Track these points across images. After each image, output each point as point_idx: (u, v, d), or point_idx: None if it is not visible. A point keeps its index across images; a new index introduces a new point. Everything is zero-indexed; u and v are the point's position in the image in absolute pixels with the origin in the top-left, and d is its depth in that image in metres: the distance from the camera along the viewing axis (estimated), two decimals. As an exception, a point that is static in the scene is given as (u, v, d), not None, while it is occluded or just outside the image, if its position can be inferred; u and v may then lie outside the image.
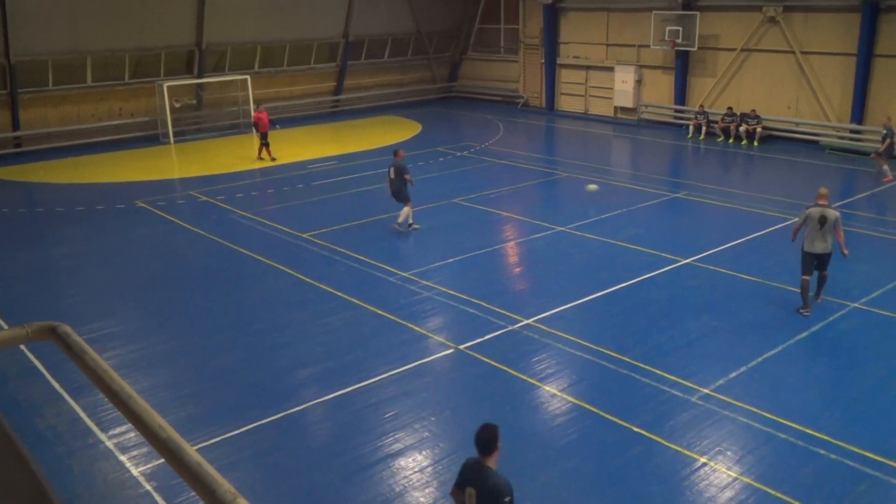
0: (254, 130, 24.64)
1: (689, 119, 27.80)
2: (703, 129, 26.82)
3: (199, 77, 28.60)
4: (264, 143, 23.70)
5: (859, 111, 24.33)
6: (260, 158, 23.99)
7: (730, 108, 26.48)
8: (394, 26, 33.46)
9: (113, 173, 23.20)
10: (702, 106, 27.40)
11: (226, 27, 28.07)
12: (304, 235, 16.44)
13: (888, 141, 20.43)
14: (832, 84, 24.84)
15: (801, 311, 11.82)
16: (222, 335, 11.74)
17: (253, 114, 25.08)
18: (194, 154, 26.06)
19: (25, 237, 17.15)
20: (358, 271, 14.27)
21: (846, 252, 11.53)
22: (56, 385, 10.05)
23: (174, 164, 25.32)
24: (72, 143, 26.24)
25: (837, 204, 18.57)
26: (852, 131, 24.51)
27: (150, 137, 27.74)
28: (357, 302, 12.75)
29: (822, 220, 11.42)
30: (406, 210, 16.22)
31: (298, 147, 26.08)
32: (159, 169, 24.05)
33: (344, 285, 13.48)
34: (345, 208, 18.68)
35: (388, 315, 12.21)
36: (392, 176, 16.19)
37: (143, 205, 19.27)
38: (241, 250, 15.56)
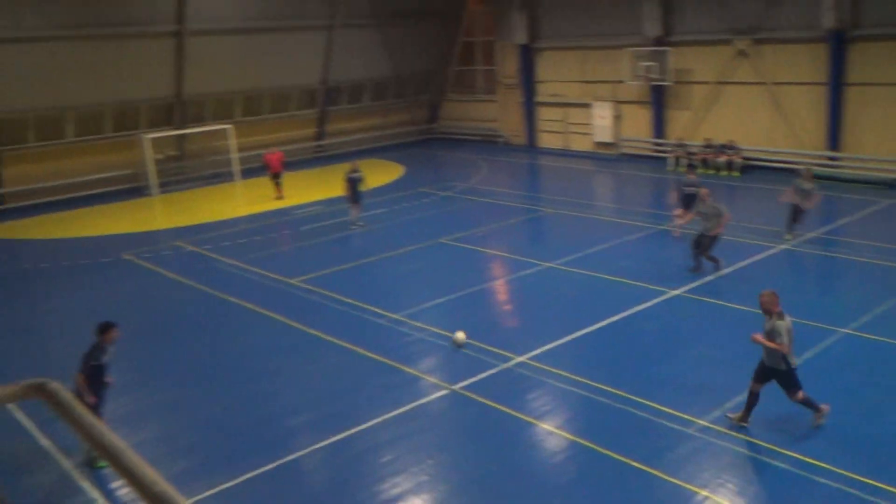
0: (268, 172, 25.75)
1: (668, 151, 28.16)
2: (684, 160, 27.17)
3: (180, 128, 28.68)
4: (276, 183, 25.14)
5: (834, 139, 24.76)
6: (280, 197, 25.03)
7: (707, 140, 26.88)
8: (371, 71, 33.81)
9: (98, 227, 23.09)
10: (680, 138, 27.78)
11: (205, 78, 28.23)
12: (293, 281, 16.37)
13: None
14: (806, 113, 25.28)
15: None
16: (213, 384, 11.60)
17: (264, 155, 26.13)
18: (179, 204, 26.03)
19: (10, 294, 16.94)
20: (347, 315, 14.20)
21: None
22: (45, 443, 9.86)
23: (159, 215, 25.24)
24: (55, 199, 26.10)
25: (821, 231, 18.82)
26: (829, 158, 24.90)
27: (134, 190, 27.67)
28: (348, 346, 12.66)
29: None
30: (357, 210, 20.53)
31: (284, 192, 26.13)
32: (144, 221, 23.96)
33: (334, 329, 13.40)
34: (332, 252, 18.66)
35: (379, 358, 12.13)
36: (349, 184, 20.34)
37: (129, 257, 19.15)
38: (230, 298, 15.46)
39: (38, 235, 22.54)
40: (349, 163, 21.85)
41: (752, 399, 9.33)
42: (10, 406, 10.40)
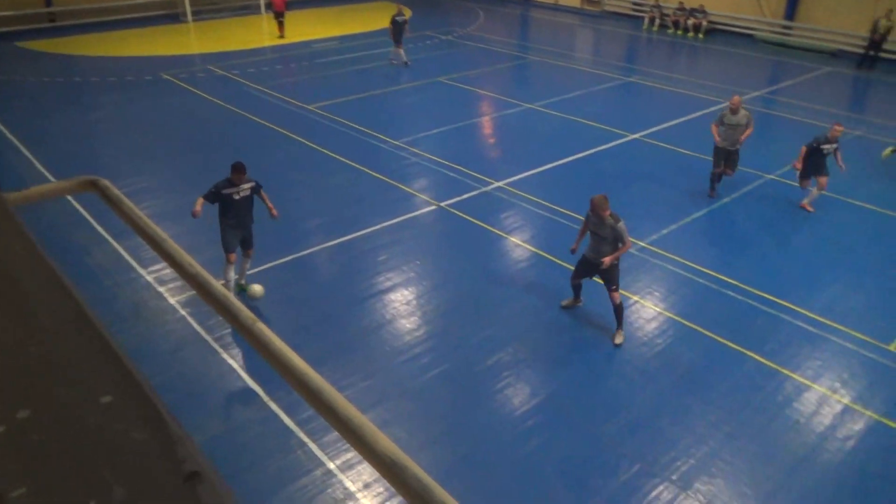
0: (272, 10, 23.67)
1: (646, 12, 26.60)
2: (657, 20, 25.76)
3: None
4: (279, 21, 22.93)
5: (791, 9, 23.39)
6: (280, 36, 23.00)
7: (681, 3, 25.33)
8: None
9: (139, 48, 22.00)
10: (657, 0, 26.15)
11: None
12: (310, 107, 15.94)
13: None
14: (772, -17, 23.68)
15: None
16: (241, 191, 11.60)
17: None
18: (211, 32, 24.69)
19: (65, 103, 16.46)
20: (355, 139, 13.98)
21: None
22: (100, 230, 10.00)
23: (193, 40, 24.00)
24: (99, 20, 24.68)
25: (764, 91, 18.28)
26: (783, 27, 23.66)
27: (171, 16, 26.14)
28: (355, 165, 12.58)
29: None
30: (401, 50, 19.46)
31: (303, 27, 24.78)
32: (180, 45, 22.82)
33: (344, 151, 13.24)
34: (345, 83, 18.02)
35: (381, 177, 12.10)
36: (393, 26, 19.10)
37: (168, 77, 18.44)
38: (256, 119, 15.11)
39: (86, 52, 21.51)
40: (395, 5, 21.59)
41: (578, 289, 8.17)
42: (70, 198, 10.44)
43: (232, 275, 8.16)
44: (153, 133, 14.45)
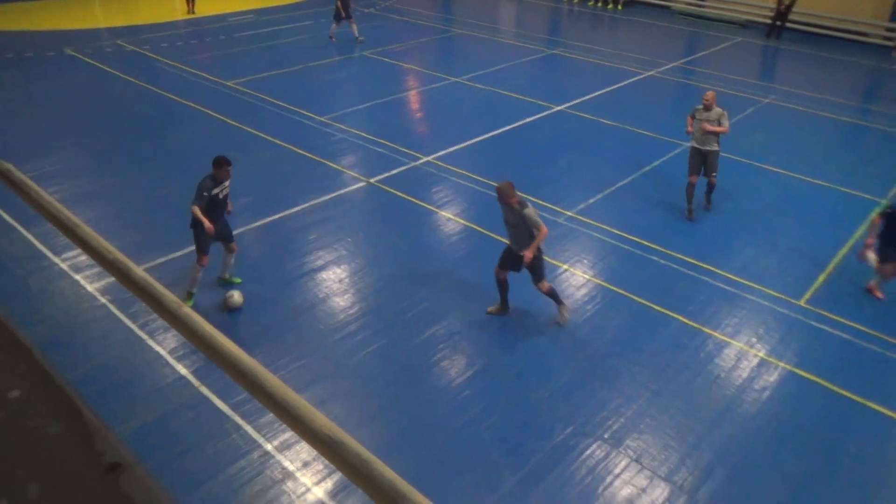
0: None
1: (565, -17, 26.85)
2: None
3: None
4: None
5: (705, -19, 24.14)
6: (190, 12, 21.81)
7: (600, -25, 25.67)
8: None
9: (39, 21, 20.53)
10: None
11: None
12: (229, 83, 15.35)
13: None
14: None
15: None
16: (159, 172, 11.12)
17: None
18: (118, 4, 23.30)
19: (-42, 82, 15.23)
20: (279, 116, 13.59)
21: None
22: (6, 217, 9.38)
23: (98, 13, 22.60)
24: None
25: (681, 61, 18.88)
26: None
27: (72, -13, 24.49)
28: (279, 143, 12.24)
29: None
30: (354, 26, 18.96)
31: (218, 1, 23.72)
32: (84, 18, 21.44)
33: (267, 128, 12.85)
34: (264, 58, 17.43)
35: (307, 154, 11.83)
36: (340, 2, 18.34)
37: (72, 53, 17.32)
38: (171, 96, 14.43)
39: (-20, 27, 19.92)
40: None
41: (503, 287, 7.66)
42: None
43: (199, 278, 7.71)
44: (59, 113, 13.59)
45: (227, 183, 7.57)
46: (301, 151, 11.89)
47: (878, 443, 6.25)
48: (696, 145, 9.89)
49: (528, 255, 7.00)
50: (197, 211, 7.30)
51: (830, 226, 10.05)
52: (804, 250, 9.37)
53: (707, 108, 9.69)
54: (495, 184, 7.06)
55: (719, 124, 9.64)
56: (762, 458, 6.05)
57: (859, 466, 6.00)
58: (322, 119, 13.40)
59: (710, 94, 9.71)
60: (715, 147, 9.77)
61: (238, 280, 8.16)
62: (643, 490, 5.71)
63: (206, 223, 7.29)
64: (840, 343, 7.56)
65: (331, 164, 11.45)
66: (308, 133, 12.78)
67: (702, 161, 9.89)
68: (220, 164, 7.42)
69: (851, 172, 11.93)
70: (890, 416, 6.55)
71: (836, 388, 6.89)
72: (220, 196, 7.52)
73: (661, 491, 5.70)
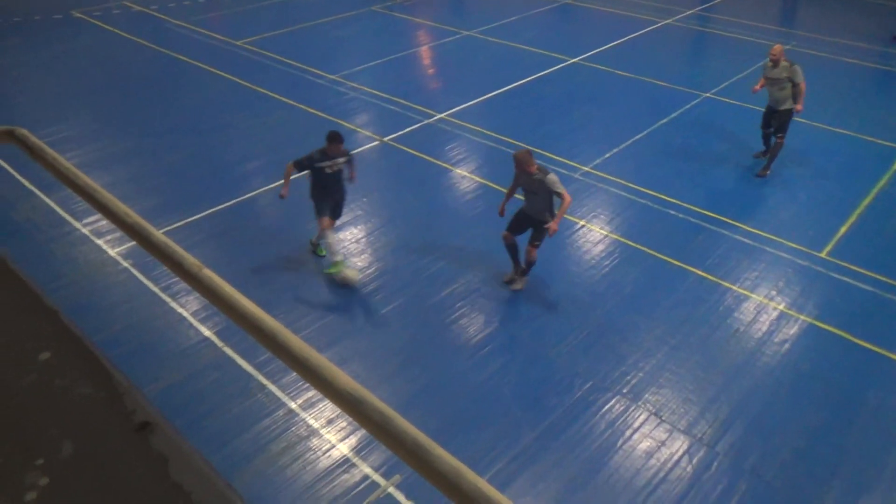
0: None
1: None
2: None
3: None
4: None
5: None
6: None
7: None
8: None
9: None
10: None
11: None
12: (238, 42, 15.19)
13: None
14: None
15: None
16: (172, 135, 11.12)
17: None
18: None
19: (-32, 49, 15.22)
20: (290, 75, 13.45)
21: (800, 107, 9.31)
22: (25, 182, 9.47)
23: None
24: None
25: (699, 9, 18.32)
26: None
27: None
28: (291, 102, 12.15)
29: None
30: None
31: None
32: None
33: (278, 88, 12.75)
34: (273, 16, 17.17)
35: (320, 113, 11.75)
36: None
37: (79, 15, 17.18)
38: (180, 57, 14.33)
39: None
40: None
41: (513, 250, 7.50)
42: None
43: (334, 241, 7.62)
44: (69, 77, 13.56)
45: (340, 160, 7.49)
46: (313, 111, 11.81)
47: (899, 393, 6.24)
48: (770, 104, 9.58)
49: (552, 226, 6.77)
50: (287, 167, 7.35)
51: (852, 176, 9.86)
52: (826, 201, 9.22)
53: (774, 64, 9.19)
54: (512, 151, 6.97)
55: (789, 80, 9.14)
56: (781, 410, 6.08)
57: (880, 418, 6.01)
58: (334, 77, 13.26)
59: (777, 49, 9.10)
60: (787, 105, 9.31)
61: (323, 252, 8.01)
62: (662, 443, 5.78)
63: (285, 186, 7.31)
64: (862, 295, 7.49)
65: (344, 124, 11.36)
66: (320, 92, 12.66)
67: (771, 116, 9.58)
68: (331, 139, 7.37)
69: (874, 120, 11.63)
70: (911, 367, 6.53)
71: (857, 340, 6.85)
72: (329, 171, 7.42)
73: (680, 443, 5.77)
